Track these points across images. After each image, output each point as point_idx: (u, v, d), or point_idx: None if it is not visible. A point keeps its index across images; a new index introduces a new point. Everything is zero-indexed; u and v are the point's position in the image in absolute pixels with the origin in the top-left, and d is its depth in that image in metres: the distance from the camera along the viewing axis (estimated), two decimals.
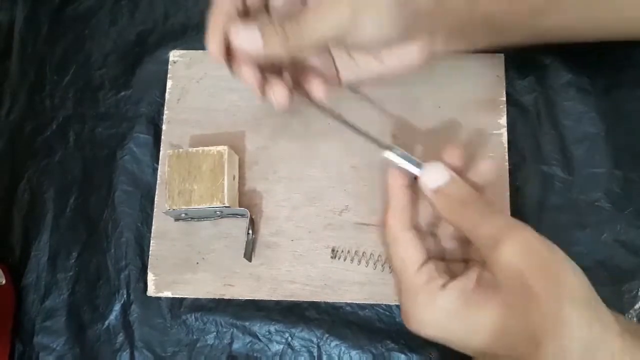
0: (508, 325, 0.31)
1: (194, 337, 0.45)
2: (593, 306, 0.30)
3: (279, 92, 0.37)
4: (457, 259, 0.38)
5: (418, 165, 0.37)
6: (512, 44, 0.41)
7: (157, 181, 0.47)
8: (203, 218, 0.45)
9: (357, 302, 0.44)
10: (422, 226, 0.38)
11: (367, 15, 0.34)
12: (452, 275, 0.35)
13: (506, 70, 0.47)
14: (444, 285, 0.33)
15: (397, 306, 0.44)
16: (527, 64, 0.47)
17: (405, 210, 0.37)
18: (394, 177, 0.37)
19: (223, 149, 0.43)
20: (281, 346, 0.44)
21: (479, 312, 0.32)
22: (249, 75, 0.37)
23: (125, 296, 0.45)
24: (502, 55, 0.47)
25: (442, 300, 0.33)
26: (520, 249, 0.31)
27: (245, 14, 0.37)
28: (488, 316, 0.31)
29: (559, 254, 0.31)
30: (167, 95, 0.48)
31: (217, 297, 0.44)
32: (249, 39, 0.34)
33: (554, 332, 0.29)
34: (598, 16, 0.39)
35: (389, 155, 0.37)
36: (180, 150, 0.43)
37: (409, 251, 0.35)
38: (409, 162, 0.37)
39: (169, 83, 0.48)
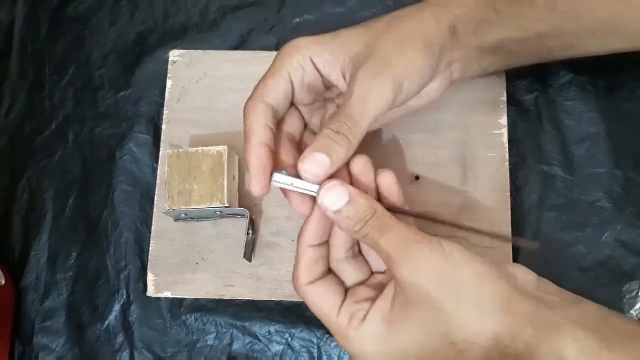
0: (427, 342, 0.32)
1: (194, 337, 0.44)
2: (502, 301, 0.31)
3: (302, 205, 0.36)
4: (382, 269, 0.37)
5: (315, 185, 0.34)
6: (520, 65, 0.43)
7: (157, 181, 0.47)
8: (203, 218, 0.45)
9: None
10: (339, 255, 0.36)
11: (407, 80, 0.35)
12: (379, 289, 0.34)
13: (506, 70, 0.47)
14: (364, 317, 0.33)
15: None
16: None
17: (314, 267, 0.35)
18: (304, 236, 0.35)
19: (223, 148, 0.43)
20: (281, 346, 0.44)
21: (401, 334, 0.32)
22: (305, 207, 0.36)
23: (124, 296, 0.45)
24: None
25: (368, 330, 0.33)
26: (415, 265, 0.31)
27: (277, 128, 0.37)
28: (409, 336, 0.32)
29: (455, 259, 0.31)
30: (166, 95, 0.48)
31: (217, 297, 0.44)
32: (319, 166, 0.33)
33: (465, 339, 0.30)
34: (597, 34, 0.39)
35: (278, 183, 0.35)
36: (180, 150, 0.43)
37: (325, 302, 0.35)
38: (301, 187, 0.34)
39: (169, 83, 0.48)
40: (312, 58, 0.36)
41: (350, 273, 0.36)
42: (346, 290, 0.36)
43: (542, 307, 0.31)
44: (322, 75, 0.36)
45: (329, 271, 0.36)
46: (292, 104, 0.38)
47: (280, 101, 0.36)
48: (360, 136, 0.34)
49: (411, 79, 0.35)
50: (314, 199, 0.35)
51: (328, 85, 0.38)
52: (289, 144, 0.37)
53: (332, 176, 0.34)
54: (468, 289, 0.31)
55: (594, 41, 0.40)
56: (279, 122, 0.37)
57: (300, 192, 0.35)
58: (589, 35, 0.39)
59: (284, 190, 0.36)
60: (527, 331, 0.30)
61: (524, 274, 0.33)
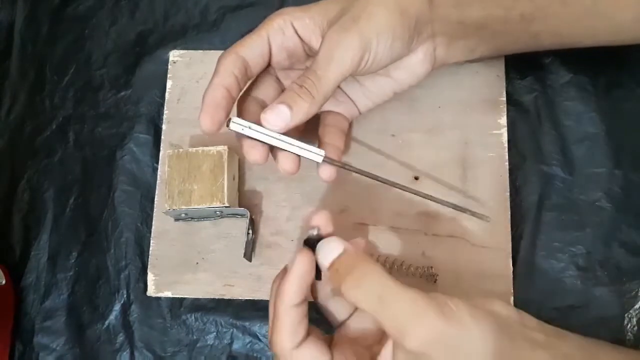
0: None
1: (194, 337, 0.44)
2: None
3: (287, 162, 0.37)
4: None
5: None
6: (509, 52, 0.43)
7: (157, 181, 0.47)
8: (203, 218, 0.45)
9: None
10: (327, 290, 0.36)
11: (375, 40, 0.35)
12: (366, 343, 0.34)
13: (506, 70, 0.47)
14: None
15: None
16: (527, 63, 0.47)
17: (299, 328, 0.32)
18: (287, 296, 0.32)
19: (223, 149, 0.43)
20: None
21: None
22: (260, 155, 0.36)
23: (125, 296, 0.45)
24: (502, 55, 0.47)
25: None
26: (425, 339, 0.29)
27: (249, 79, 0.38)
28: None
29: (464, 328, 0.29)
30: (167, 95, 0.48)
31: (217, 297, 0.44)
32: (279, 117, 0.34)
33: None
34: (584, 22, 0.39)
35: (235, 124, 0.35)
36: (180, 150, 0.43)
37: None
38: (256, 134, 0.35)
39: (169, 83, 0.48)
40: (293, 23, 0.36)
41: (340, 308, 0.36)
42: (332, 339, 0.35)
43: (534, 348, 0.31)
44: (302, 40, 0.37)
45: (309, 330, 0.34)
46: (270, 66, 0.38)
47: (254, 57, 0.37)
48: (324, 92, 0.34)
49: (380, 39, 0.35)
50: (266, 147, 0.36)
51: (310, 53, 0.38)
52: (256, 105, 0.38)
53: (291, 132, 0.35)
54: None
55: (583, 30, 0.39)
56: (252, 84, 0.38)
57: (254, 139, 0.35)
58: (576, 22, 0.39)
59: (238, 138, 0.37)
60: None
61: (505, 310, 0.32)
